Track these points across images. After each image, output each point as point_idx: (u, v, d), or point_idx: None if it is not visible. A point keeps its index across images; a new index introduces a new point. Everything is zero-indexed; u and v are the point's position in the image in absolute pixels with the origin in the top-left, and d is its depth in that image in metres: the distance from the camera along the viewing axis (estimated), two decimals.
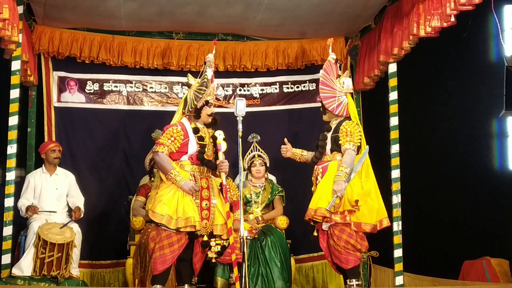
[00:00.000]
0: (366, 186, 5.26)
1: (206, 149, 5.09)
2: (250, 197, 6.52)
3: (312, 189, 5.41)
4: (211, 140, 5.20)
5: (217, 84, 5.30)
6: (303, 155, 5.66)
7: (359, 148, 5.28)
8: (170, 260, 4.93)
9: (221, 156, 5.18)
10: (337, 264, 5.35)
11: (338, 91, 5.39)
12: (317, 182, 5.32)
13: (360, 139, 5.30)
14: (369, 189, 5.27)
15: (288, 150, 5.67)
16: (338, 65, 5.60)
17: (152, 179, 6.50)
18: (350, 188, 5.15)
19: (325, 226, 5.26)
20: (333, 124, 5.39)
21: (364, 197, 5.19)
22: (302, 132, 7.51)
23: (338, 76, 5.50)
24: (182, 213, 4.86)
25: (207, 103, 5.13)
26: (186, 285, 5.15)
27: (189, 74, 5.39)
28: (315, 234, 5.37)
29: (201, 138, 5.08)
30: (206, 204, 5.00)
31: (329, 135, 5.38)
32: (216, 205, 5.05)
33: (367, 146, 5.37)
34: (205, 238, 4.98)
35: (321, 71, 5.45)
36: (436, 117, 7.06)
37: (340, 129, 5.27)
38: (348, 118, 5.40)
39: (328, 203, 5.08)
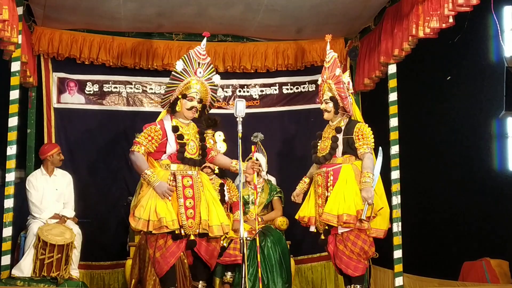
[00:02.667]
0: (379, 191, 5.21)
1: (187, 147, 4.98)
2: (248, 197, 6.52)
3: (319, 191, 5.31)
4: (197, 136, 5.09)
5: (200, 75, 5.09)
6: (306, 182, 5.56)
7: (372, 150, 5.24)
8: (164, 263, 4.86)
9: (255, 157, 5.17)
10: (342, 269, 5.25)
11: (346, 90, 5.32)
12: (329, 184, 5.21)
13: (373, 141, 5.25)
14: (381, 193, 5.23)
15: (298, 195, 5.58)
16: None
17: None
18: (376, 196, 5.09)
19: (341, 231, 5.16)
20: (342, 125, 5.30)
21: (382, 202, 5.16)
22: (302, 133, 7.51)
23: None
24: (154, 215, 4.77)
25: (185, 96, 5.03)
26: (200, 282, 5.17)
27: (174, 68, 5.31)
28: (323, 237, 5.29)
29: (180, 137, 4.96)
30: (190, 203, 4.90)
31: (340, 136, 5.27)
32: (208, 205, 4.96)
33: (380, 147, 5.33)
34: (192, 237, 4.89)
35: (337, 69, 5.31)
36: (436, 118, 7.06)
37: (355, 132, 5.21)
38: (351, 118, 5.34)
39: (354, 209, 4.99)
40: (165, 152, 4.97)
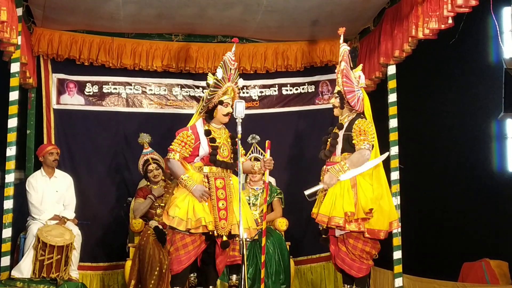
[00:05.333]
0: (378, 190, 5.11)
1: (220, 150, 5.09)
2: (248, 199, 6.51)
3: None
4: (228, 140, 5.20)
5: (237, 81, 5.24)
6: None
7: (372, 147, 5.13)
8: (186, 260, 4.96)
9: (268, 154, 5.21)
10: (344, 270, 5.20)
11: (355, 84, 5.24)
12: None
13: (374, 137, 5.15)
14: (381, 193, 5.12)
15: None
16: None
17: (148, 183, 6.54)
18: (364, 195, 4.99)
19: (338, 234, 5.13)
20: (345, 122, 5.22)
21: (377, 202, 5.05)
22: (301, 134, 7.51)
23: (351, 68, 5.34)
24: (192, 214, 4.89)
25: (221, 103, 5.12)
26: (210, 287, 5.20)
27: (209, 74, 5.35)
28: (324, 236, 5.25)
29: (212, 140, 5.08)
30: (223, 204, 5.00)
31: (341, 133, 5.20)
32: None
33: (388, 152, 5.28)
34: (224, 238, 4.98)
35: (343, 63, 5.26)
36: (435, 119, 7.06)
37: (354, 128, 5.11)
38: (360, 114, 5.24)
39: (342, 212, 4.95)
40: (198, 155, 5.08)
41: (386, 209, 5.13)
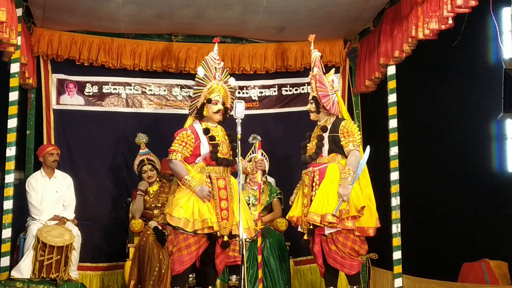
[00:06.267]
0: (366, 188, 5.23)
1: (219, 148, 5.12)
2: (248, 199, 6.51)
3: (305, 191, 5.32)
4: (226, 138, 5.24)
5: (218, 79, 5.26)
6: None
7: (358, 146, 5.24)
8: (188, 261, 4.99)
9: (259, 154, 5.24)
10: (336, 268, 5.27)
11: (329, 89, 5.35)
12: (314, 184, 5.22)
13: (360, 137, 5.28)
14: (369, 192, 5.23)
15: (293, 201, 5.57)
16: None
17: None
18: (356, 194, 5.10)
19: (328, 232, 5.18)
20: (328, 124, 5.32)
21: (366, 201, 5.16)
22: (301, 135, 7.48)
23: (324, 73, 5.45)
24: (198, 215, 4.91)
25: (210, 101, 5.15)
26: (210, 287, 5.22)
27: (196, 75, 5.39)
28: (306, 237, 5.29)
29: (212, 138, 5.10)
30: (225, 204, 5.03)
31: (326, 135, 5.29)
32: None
33: (368, 146, 5.33)
34: (225, 239, 5.01)
35: (315, 68, 5.38)
36: (435, 119, 7.06)
37: (340, 130, 5.22)
38: (338, 116, 5.37)
39: (334, 209, 5.03)
40: (199, 155, 5.10)
41: (373, 207, 5.23)
